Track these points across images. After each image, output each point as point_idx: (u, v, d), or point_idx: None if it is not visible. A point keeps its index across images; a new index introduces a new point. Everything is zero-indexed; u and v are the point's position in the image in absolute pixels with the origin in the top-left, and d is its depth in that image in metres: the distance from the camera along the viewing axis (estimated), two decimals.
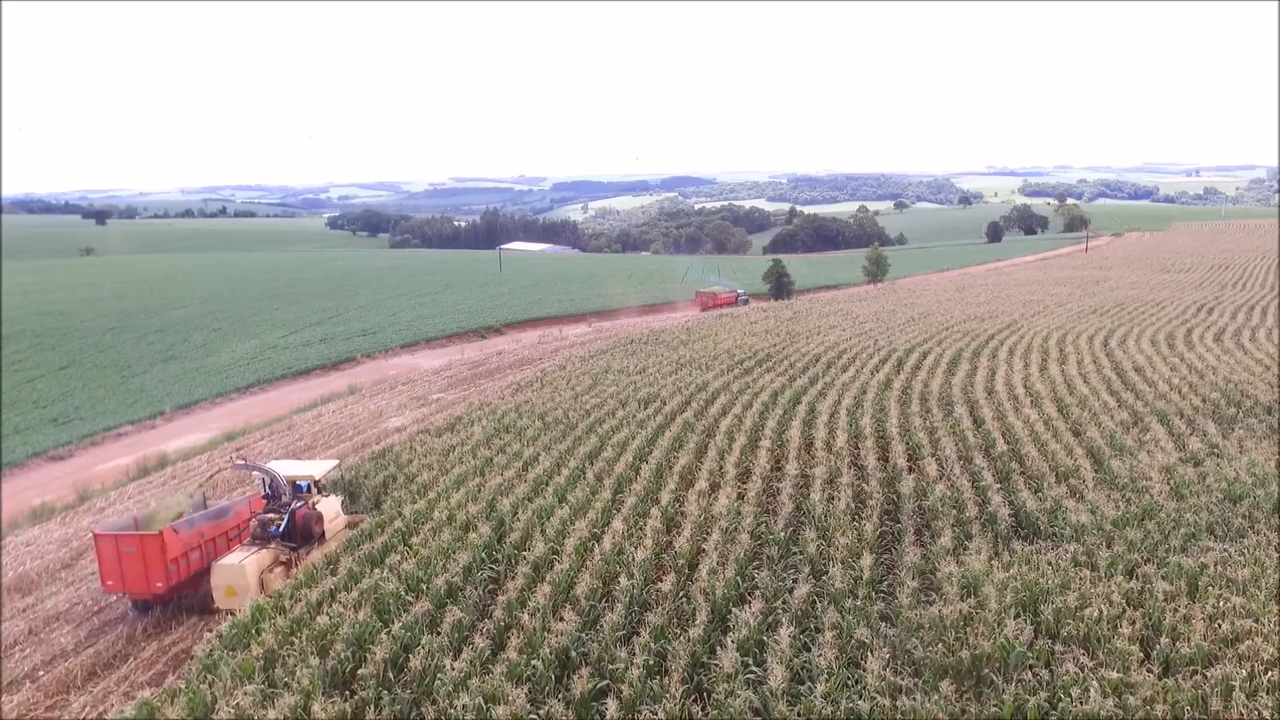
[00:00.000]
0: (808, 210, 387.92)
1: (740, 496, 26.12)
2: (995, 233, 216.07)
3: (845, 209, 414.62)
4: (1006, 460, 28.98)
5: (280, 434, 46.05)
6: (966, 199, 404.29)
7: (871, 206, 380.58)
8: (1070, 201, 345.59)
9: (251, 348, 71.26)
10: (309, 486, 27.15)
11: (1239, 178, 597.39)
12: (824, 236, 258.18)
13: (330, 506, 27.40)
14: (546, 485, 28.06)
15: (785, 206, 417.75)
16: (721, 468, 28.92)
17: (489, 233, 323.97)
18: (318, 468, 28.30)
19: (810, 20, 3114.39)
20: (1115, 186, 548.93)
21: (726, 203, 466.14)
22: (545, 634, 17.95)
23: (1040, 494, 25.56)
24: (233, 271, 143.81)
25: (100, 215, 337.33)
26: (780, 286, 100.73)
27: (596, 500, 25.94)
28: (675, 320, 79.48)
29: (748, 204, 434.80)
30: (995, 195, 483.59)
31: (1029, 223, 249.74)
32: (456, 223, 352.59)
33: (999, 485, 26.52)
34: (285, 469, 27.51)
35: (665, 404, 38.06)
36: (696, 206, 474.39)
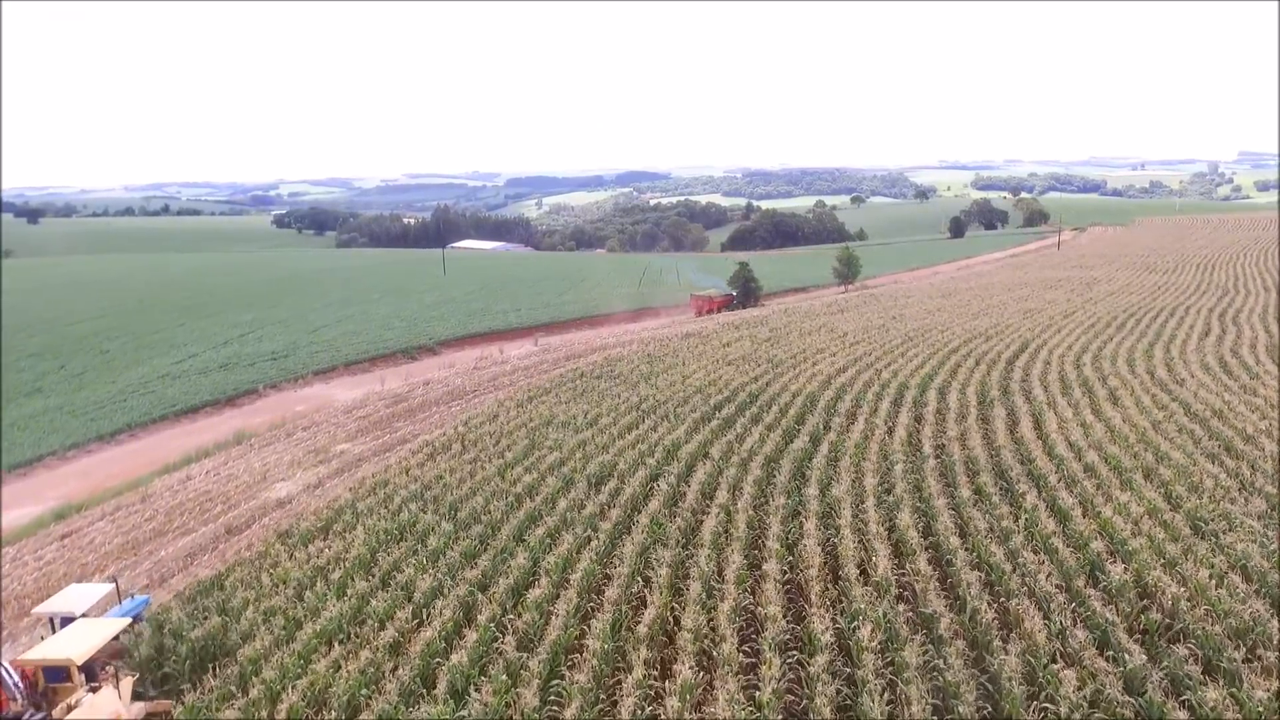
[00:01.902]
0: (764, 205, 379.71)
1: (749, 694, 15.97)
2: (958, 228, 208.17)
3: (801, 204, 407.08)
4: (1134, 600, 19.22)
5: (125, 510, 35.07)
6: (923, 193, 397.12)
7: (828, 201, 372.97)
8: (1024, 195, 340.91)
9: (137, 377, 59.64)
10: (67, 674, 16.85)
11: (1182, 171, 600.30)
12: (783, 232, 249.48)
13: (103, 705, 16.99)
14: (443, 662, 17.67)
15: (741, 202, 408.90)
16: (712, 621, 18.72)
17: (439, 231, 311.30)
18: (93, 635, 17.79)
19: (762, 15, 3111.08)
20: (1064, 180, 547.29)
21: (683, 198, 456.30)
22: None
23: (1230, 678, 15.76)
24: (153, 276, 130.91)
25: (33, 214, 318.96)
26: (748, 292, 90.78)
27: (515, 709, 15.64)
28: (640, 333, 69.20)
29: (704, 199, 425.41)
30: (949, 189, 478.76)
31: (989, 217, 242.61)
32: (406, 220, 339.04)
33: (1147, 654, 16.72)
34: (49, 646, 17.15)
35: (624, 484, 27.72)
36: (652, 202, 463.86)
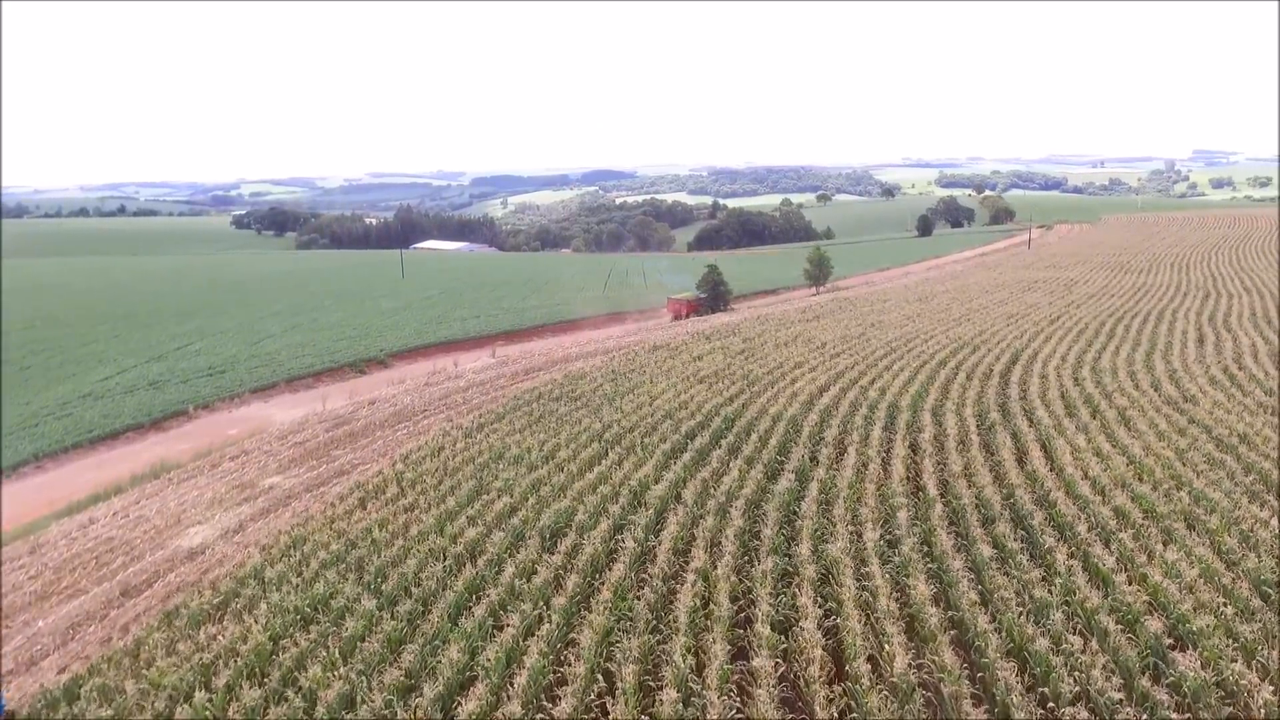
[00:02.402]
0: (730, 204, 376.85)
1: None
2: (925, 226, 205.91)
3: (767, 202, 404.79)
4: (1216, 705, 15.35)
5: (10, 565, 30.22)
6: (889, 191, 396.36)
7: (794, 199, 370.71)
8: (988, 193, 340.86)
9: (56, 398, 54.34)
10: None
11: (1140, 169, 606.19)
12: (750, 231, 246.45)
13: None
14: None
15: (707, 200, 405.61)
16: None
17: (402, 231, 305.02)
18: None
19: (727, 13, 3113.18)
20: (1026, 177, 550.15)
21: (648, 196, 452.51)
22: None
23: None
24: (96, 282, 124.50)
25: None
26: (717, 296, 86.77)
27: None
28: (604, 342, 64.91)
29: (670, 198, 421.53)
30: (913, 187, 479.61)
31: (955, 215, 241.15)
32: (368, 220, 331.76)
33: None
34: None
35: (583, 540, 23.50)
36: (618, 201, 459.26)
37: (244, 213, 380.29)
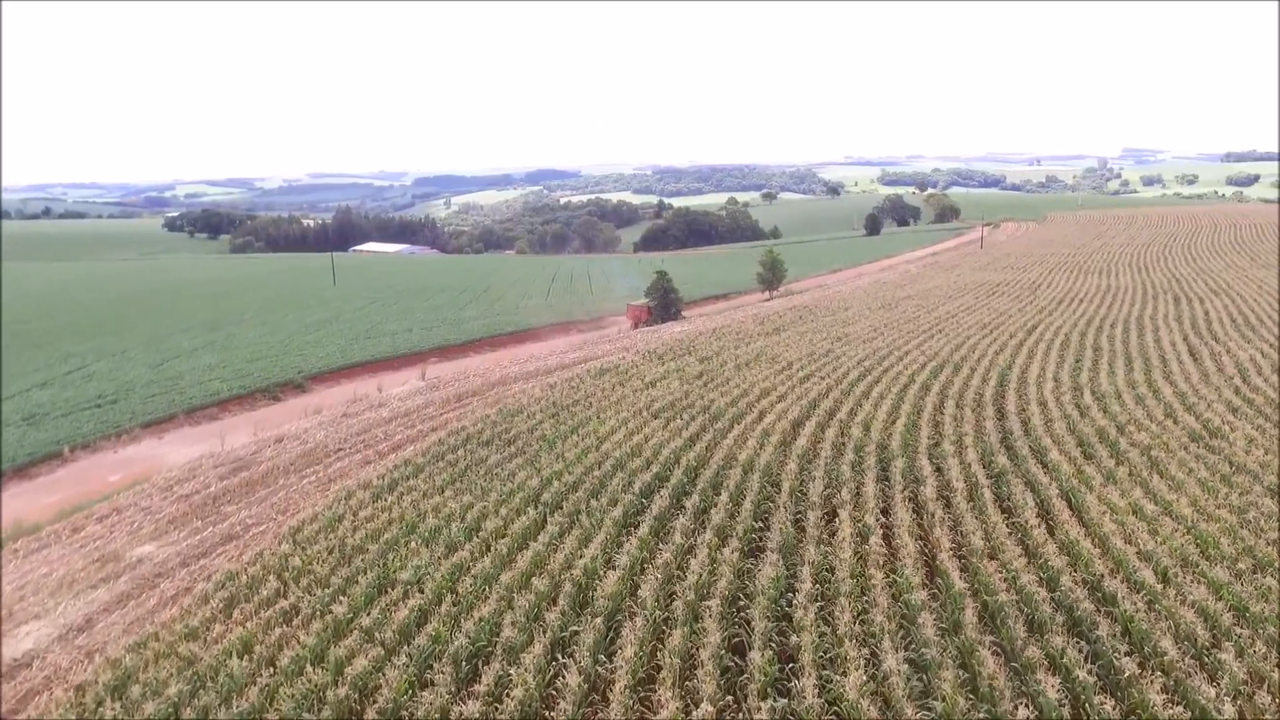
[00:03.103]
0: (676, 203, 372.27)
1: None
2: (874, 225, 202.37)
3: (713, 200, 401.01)
4: None
5: None
6: (834, 189, 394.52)
7: (739, 198, 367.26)
8: (931, 191, 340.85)
9: None
10: None
11: (1074, 166, 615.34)
12: (697, 231, 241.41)
13: None
14: None
15: (653, 199, 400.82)
16: None
17: (341, 233, 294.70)
18: None
19: (669, 13, 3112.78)
20: (966, 175, 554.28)
21: (593, 196, 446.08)
22: None
23: None
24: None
25: None
26: (668, 304, 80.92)
27: None
28: (547, 360, 58.72)
29: (615, 197, 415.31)
30: (856, 185, 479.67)
31: (902, 214, 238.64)
32: (306, 222, 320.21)
33: None
34: None
35: (511, 674, 17.42)
36: (563, 201, 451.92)
37: (177, 215, 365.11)
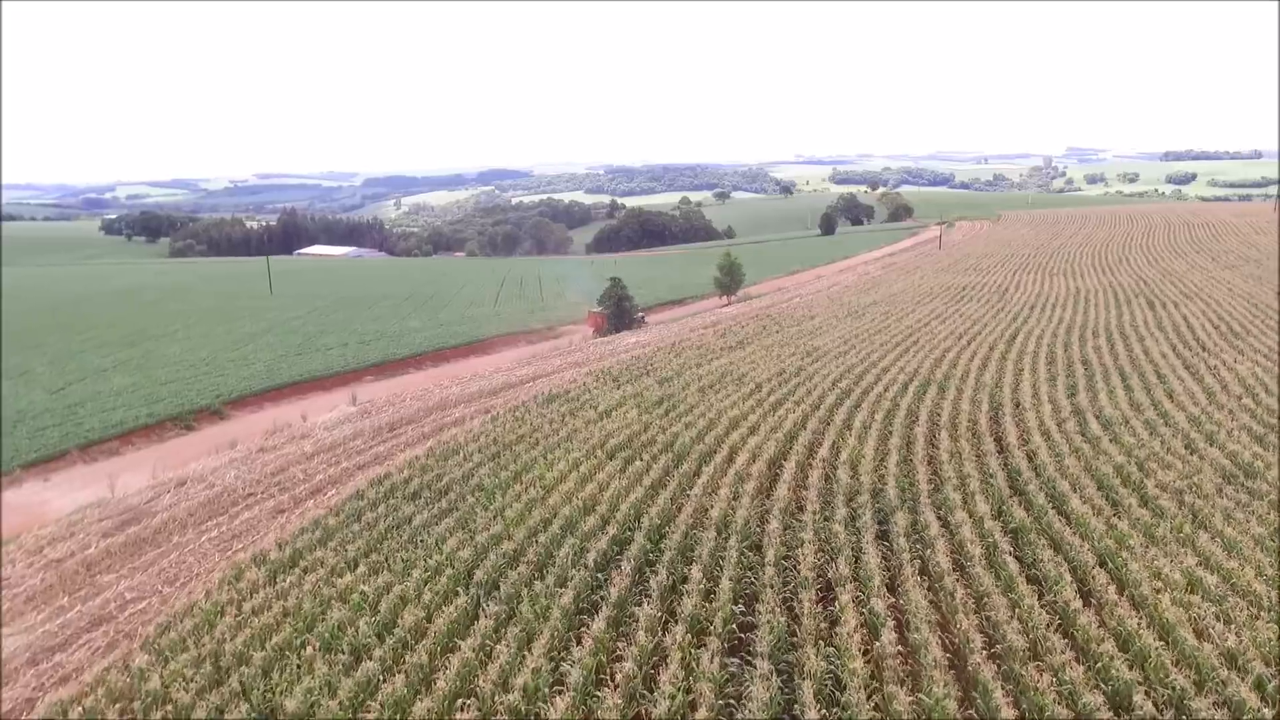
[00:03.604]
0: (628, 203, 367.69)
1: None
2: (829, 225, 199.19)
3: (665, 200, 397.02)
4: None
5: None
6: (787, 189, 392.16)
7: (692, 197, 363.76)
8: (884, 190, 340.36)
9: None
10: None
11: (1020, 165, 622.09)
12: (650, 231, 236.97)
13: None
14: None
15: (605, 199, 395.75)
16: None
17: (286, 236, 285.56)
18: None
19: (620, 12, 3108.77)
20: (915, 173, 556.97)
21: (545, 196, 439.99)
22: None
23: None
24: None
25: None
26: (622, 313, 76.06)
27: None
28: (491, 380, 53.57)
29: (566, 197, 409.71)
30: (808, 184, 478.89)
31: (855, 213, 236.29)
32: (250, 225, 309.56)
33: None
34: None
35: None
36: (514, 201, 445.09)
37: (115, 217, 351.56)
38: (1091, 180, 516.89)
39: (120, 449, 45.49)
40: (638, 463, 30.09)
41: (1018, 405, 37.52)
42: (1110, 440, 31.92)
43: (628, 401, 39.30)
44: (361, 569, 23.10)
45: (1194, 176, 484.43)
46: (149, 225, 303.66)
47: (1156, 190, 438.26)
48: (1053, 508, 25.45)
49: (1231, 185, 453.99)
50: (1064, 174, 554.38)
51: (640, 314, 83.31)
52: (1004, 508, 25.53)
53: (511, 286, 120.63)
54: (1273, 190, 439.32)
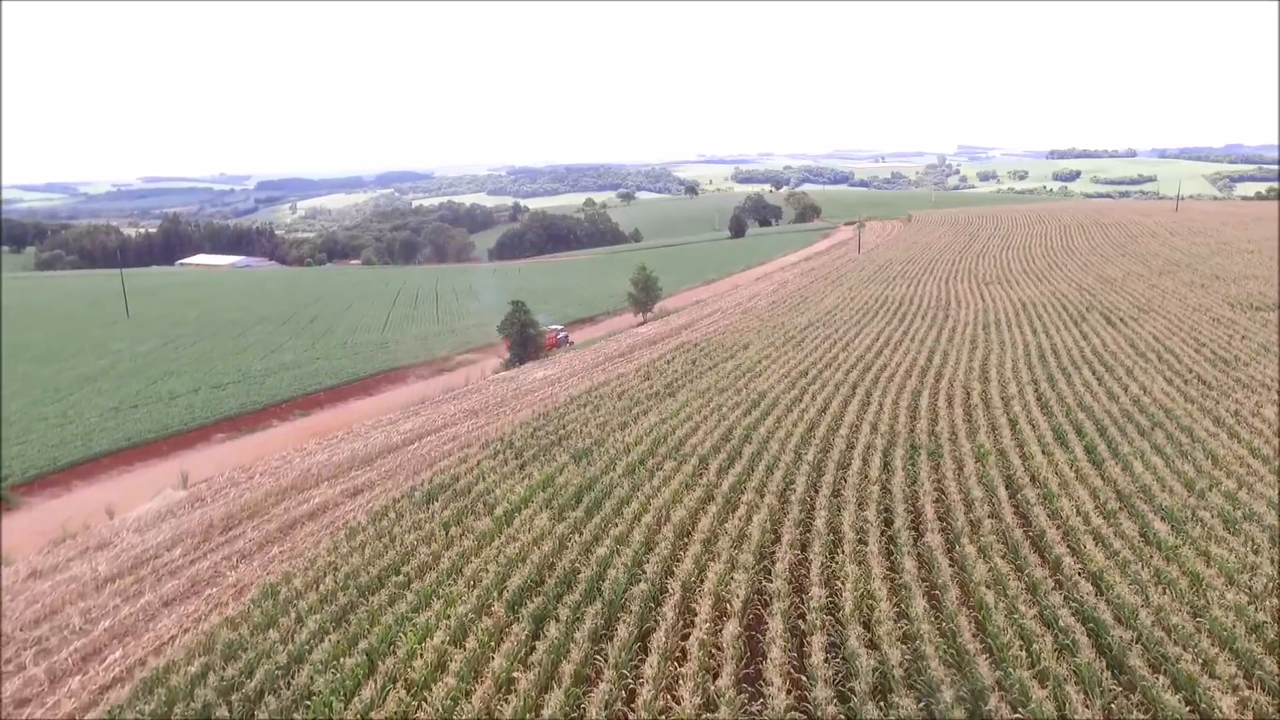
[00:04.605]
0: (531, 205, 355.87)
1: None
2: (739, 227, 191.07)
3: (569, 201, 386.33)
4: None
5: None
6: (692, 189, 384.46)
7: (596, 198, 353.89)
8: (792, 190, 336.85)
9: None
10: None
11: (915, 163, 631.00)
12: (555, 236, 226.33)
13: None
14: None
15: (508, 201, 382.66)
16: None
17: (168, 245, 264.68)
18: None
19: (522, 11, 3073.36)
20: (816, 172, 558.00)
21: (446, 199, 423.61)
22: None
23: None
24: None
25: None
26: (525, 341, 65.68)
27: None
28: (368, 444, 42.87)
29: (468, 200, 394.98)
30: (710, 183, 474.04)
31: (763, 214, 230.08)
32: (128, 232, 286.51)
33: None
34: None
35: None
36: (414, 204, 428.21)
37: None
38: (984, 178, 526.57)
39: None
40: (552, 630, 20.09)
41: (1038, 483, 28.90)
42: (1190, 548, 23.39)
43: (536, 496, 29.21)
44: None
45: (1078, 174, 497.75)
46: (15, 233, 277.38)
47: (1045, 187, 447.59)
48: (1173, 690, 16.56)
49: (1112, 183, 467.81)
50: (957, 171, 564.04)
51: (563, 333, 75.08)
52: (1091, 690, 16.55)
53: (405, 304, 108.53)
54: (1149, 187, 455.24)
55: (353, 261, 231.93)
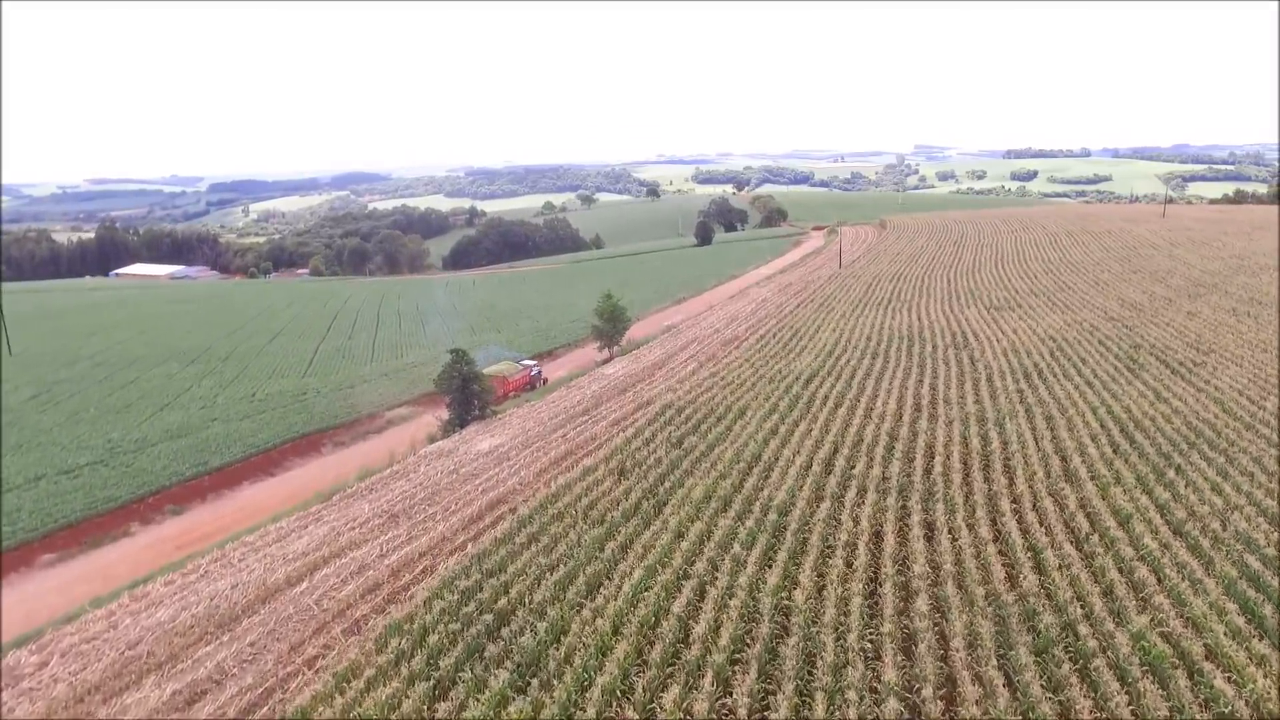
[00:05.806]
0: (489, 207, 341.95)
1: None
2: (705, 233, 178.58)
3: (528, 204, 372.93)
4: None
5: None
6: (653, 191, 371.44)
7: (555, 200, 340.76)
8: (755, 193, 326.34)
9: None
10: None
11: (874, 163, 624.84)
12: (512, 243, 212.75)
13: None
14: None
15: (465, 203, 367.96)
16: None
17: (103, 253, 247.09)
18: None
19: (480, 11, 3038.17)
20: (776, 172, 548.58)
21: (401, 202, 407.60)
22: None
23: None
24: None
25: None
26: (468, 398, 52.92)
27: None
28: (253, 569, 30.28)
29: (423, 204, 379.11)
30: (671, 184, 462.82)
31: (729, 217, 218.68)
32: (61, 240, 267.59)
33: None
34: None
35: None
36: (369, 207, 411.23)
37: None
38: (942, 177, 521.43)
39: None
40: None
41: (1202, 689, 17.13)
42: None
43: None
44: None
45: (1035, 174, 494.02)
46: None
47: (1003, 187, 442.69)
48: None
49: (1069, 182, 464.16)
50: (916, 171, 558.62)
51: (536, 369, 65.82)
52: None
53: (339, 335, 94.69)
54: (1105, 187, 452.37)
55: (299, 271, 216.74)
